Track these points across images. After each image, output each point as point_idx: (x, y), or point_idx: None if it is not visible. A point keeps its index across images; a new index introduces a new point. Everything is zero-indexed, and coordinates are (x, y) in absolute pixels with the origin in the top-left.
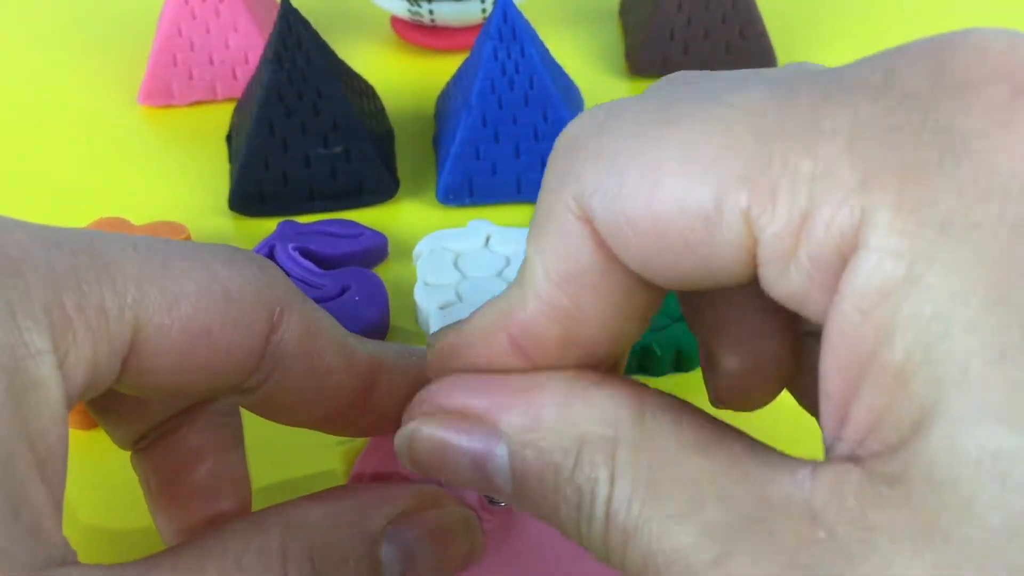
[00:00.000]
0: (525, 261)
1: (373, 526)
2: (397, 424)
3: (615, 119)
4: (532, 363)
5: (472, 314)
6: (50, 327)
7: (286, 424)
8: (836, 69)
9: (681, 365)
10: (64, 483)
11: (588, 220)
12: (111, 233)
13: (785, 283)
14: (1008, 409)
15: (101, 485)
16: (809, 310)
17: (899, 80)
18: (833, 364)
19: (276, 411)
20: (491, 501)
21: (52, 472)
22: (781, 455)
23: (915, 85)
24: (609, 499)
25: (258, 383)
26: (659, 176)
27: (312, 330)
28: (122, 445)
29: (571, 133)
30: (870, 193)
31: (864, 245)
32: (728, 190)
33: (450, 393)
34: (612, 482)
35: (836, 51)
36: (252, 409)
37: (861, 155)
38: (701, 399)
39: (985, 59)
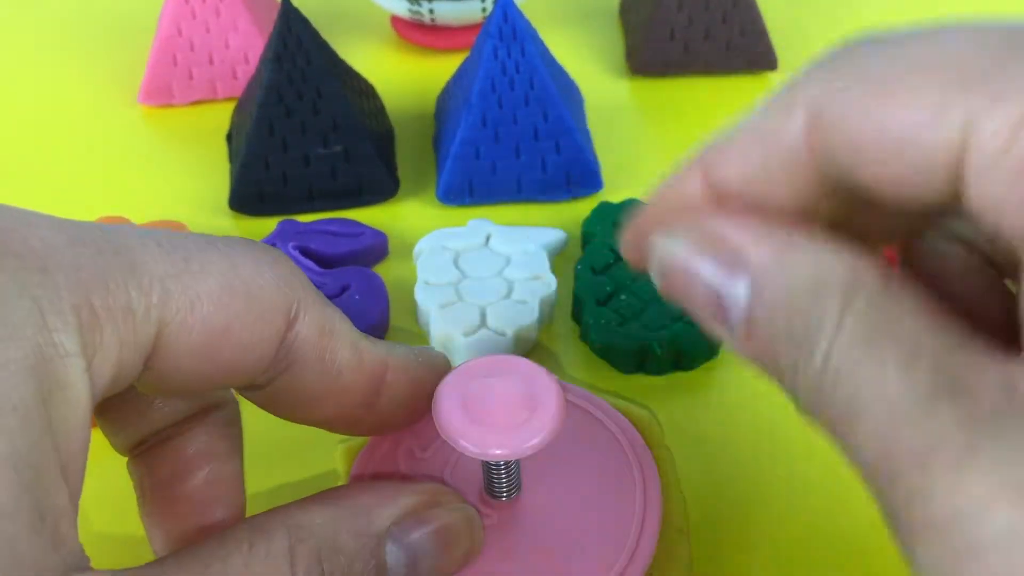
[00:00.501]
0: (739, 123)
1: (377, 527)
2: (401, 424)
3: (846, 51)
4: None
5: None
6: (79, 327)
7: (292, 421)
8: None
9: (681, 364)
10: (82, 485)
11: (814, 116)
12: (133, 228)
13: (989, 189)
14: None
15: (103, 487)
16: (1006, 225)
17: None
18: None
19: (284, 408)
20: (492, 495)
21: (73, 474)
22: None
23: None
24: (834, 338)
25: (269, 379)
26: (889, 82)
27: (326, 329)
28: (120, 450)
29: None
30: None
31: None
32: (951, 94)
33: (711, 220)
34: (840, 324)
35: None
36: (260, 404)
37: None
38: (701, 399)
39: None
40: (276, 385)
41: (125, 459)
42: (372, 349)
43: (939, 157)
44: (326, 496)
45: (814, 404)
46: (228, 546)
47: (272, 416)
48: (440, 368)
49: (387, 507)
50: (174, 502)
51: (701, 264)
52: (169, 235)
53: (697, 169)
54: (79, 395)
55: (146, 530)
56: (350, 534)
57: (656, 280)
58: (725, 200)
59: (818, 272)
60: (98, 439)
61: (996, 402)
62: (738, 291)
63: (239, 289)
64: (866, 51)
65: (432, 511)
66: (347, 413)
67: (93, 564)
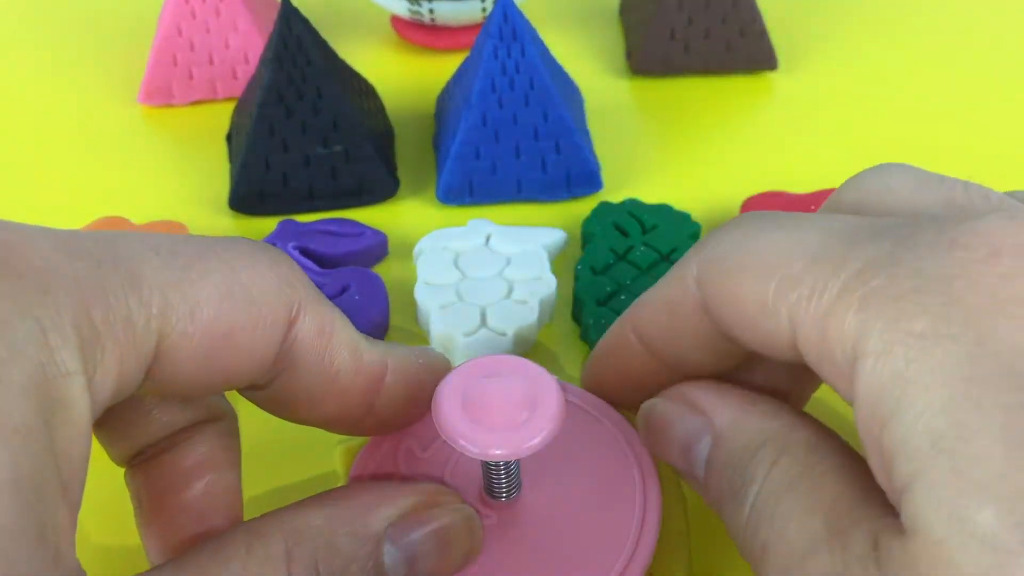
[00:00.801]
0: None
1: (375, 528)
2: (400, 425)
3: (731, 223)
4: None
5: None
6: (79, 344)
7: (291, 421)
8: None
9: None
10: (81, 499)
11: (698, 281)
12: (131, 235)
13: (818, 370)
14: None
15: (100, 498)
16: (843, 393)
17: (909, 240)
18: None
19: (283, 407)
20: (491, 495)
21: (73, 491)
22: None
23: (919, 241)
24: (759, 491)
25: (269, 380)
26: (744, 270)
27: (326, 330)
28: (117, 460)
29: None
30: (869, 311)
31: (864, 352)
32: (781, 292)
33: (687, 387)
34: (766, 478)
35: (835, 51)
36: (259, 404)
37: (867, 283)
38: None
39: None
40: (276, 385)
41: (122, 470)
42: (371, 350)
43: (779, 335)
44: (323, 498)
45: (742, 547)
46: (225, 551)
47: (272, 418)
48: (440, 369)
49: (385, 508)
50: (172, 513)
51: (675, 422)
52: (168, 241)
53: (628, 328)
54: (80, 412)
55: (143, 541)
56: (347, 535)
57: (640, 432)
58: (650, 346)
59: (761, 430)
60: (95, 450)
61: (862, 552)
62: (702, 448)
63: (239, 294)
64: (743, 226)
65: (431, 511)
66: (346, 413)
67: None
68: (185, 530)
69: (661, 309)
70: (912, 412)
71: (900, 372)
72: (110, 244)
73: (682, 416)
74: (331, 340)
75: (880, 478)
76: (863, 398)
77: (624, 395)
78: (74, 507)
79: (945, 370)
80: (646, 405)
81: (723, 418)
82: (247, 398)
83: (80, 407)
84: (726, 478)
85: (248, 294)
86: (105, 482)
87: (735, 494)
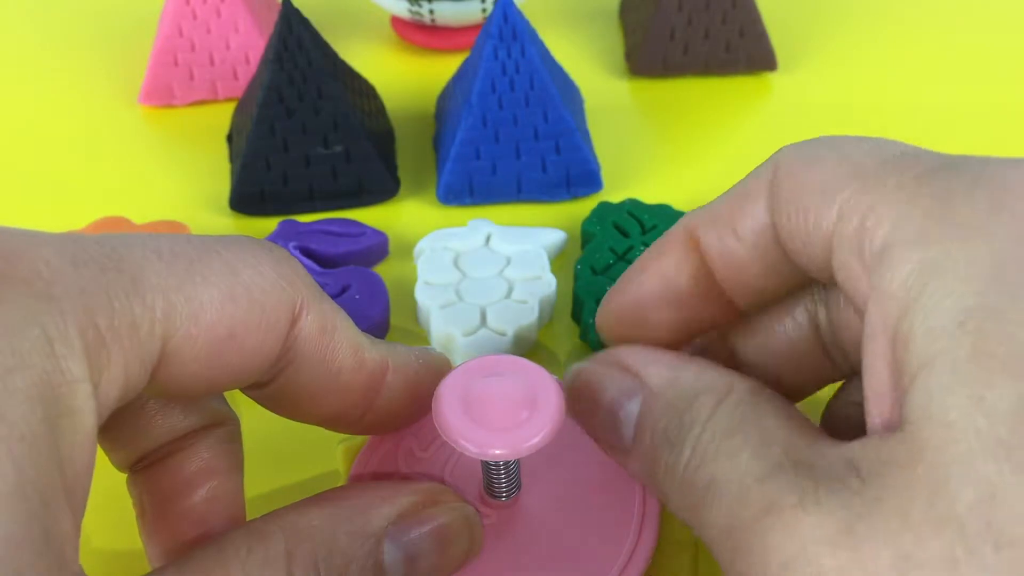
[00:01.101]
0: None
1: (375, 527)
2: (399, 425)
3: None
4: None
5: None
6: (85, 351)
7: (291, 419)
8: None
9: None
10: (85, 506)
11: (773, 182)
12: (134, 238)
13: (842, 265)
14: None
15: (102, 503)
16: (856, 299)
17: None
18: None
19: (284, 405)
20: (491, 495)
21: (77, 497)
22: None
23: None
24: (701, 432)
25: (271, 378)
26: (817, 167)
27: (328, 328)
28: (119, 466)
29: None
30: (914, 203)
31: (898, 239)
32: (842, 179)
33: (617, 351)
34: (708, 419)
35: (834, 52)
36: (260, 401)
37: (920, 184)
38: None
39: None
40: (277, 382)
41: (124, 475)
42: (373, 349)
43: (823, 230)
44: (323, 497)
45: (680, 496)
46: (226, 552)
47: (273, 418)
48: (440, 369)
49: (384, 507)
50: (174, 519)
51: (605, 383)
52: (170, 242)
53: (681, 232)
54: (85, 419)
55: (145, 547)
56: (347, 535)
57: (567, 400)
58: (700, 267)
59: (698, 382)
60: (97, 455)
61: (836, 474)
62: (631, 407)
63: (242, 295)
64: (828, 138)
65: (430, 510)
66: (346, 411)
67: None
68: (187, 536)
69: (720, 219)
70: (940, 293)
71: (932, 257)
72: (113, 248)
73: (611, 376)
74: (333, 338)
75: (877, 381)
76: (885, 285)
77: (641, 329)
78: (78, 513)
79: (980, 259)
80: (572, 368)
81: (656, 376)
82: (248, 395)
83: (85, 414)
84: (659, 432)
85: (251, 294)
86: (107, 487)
87: (671, 444)
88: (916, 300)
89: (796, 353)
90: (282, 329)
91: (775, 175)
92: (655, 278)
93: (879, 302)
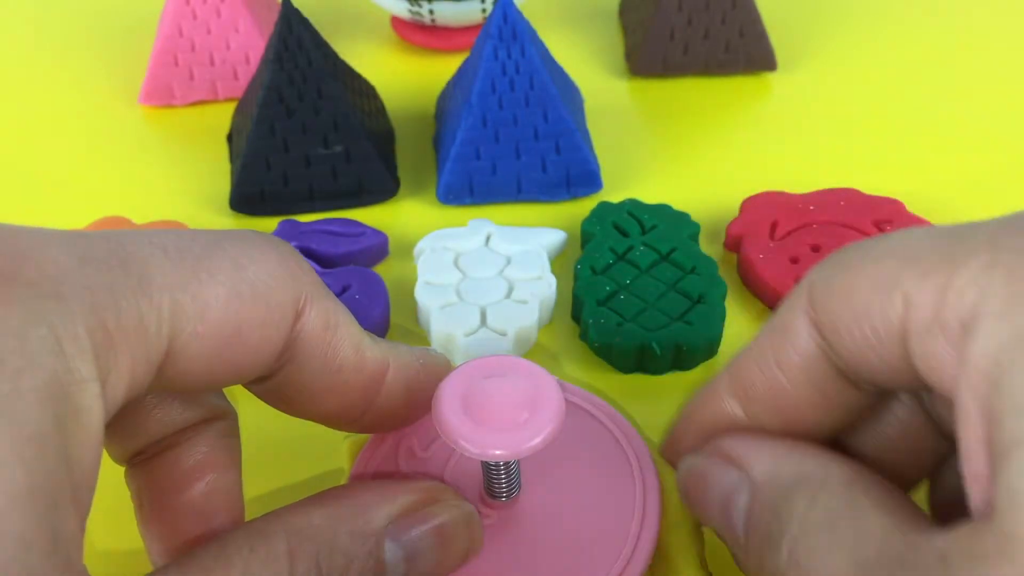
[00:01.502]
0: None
1: (375, 525)
2: (399, 424)
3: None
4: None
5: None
6: (93, 351)
7: (291, 415)
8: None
9: (680, 364)
10: (91, 505)
11: (817, 324)
12: (139, 235)
13: (925, 349)
14: None
15: (103, 501)
16: (945, 382)
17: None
18: (965, 431)
19: (285, 401)
20: (491, 495)
21: (84, 497)
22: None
23: None
24: (798, 531)
25: (273, 373)
26: (854, 267)
27: (331, 324)
28: (117, 459)
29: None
30: (992, 274)
31: (983, 313)
32: (897, 269)
33: (724, 439)
34: (804, 518)
35: (834, 52)
36: (261, 396)
37: (992, 252)
38: None
39: None
40: (279, 378)
41: (123, 470)
42: (374, 347)
43: (891, 325)
44: (324, 496)
45: None
46: (228, 551)
47: (276, 417)
48: (440, 371)
49: (385, 505)
50: (172, 513)
51: (714, 477)
52: (175, 239)
53: (722, 392)
54: (93, 419)
55: (144, 541)
56: (348, 534)
57: (680, 491)
58: (750, 408)
59: (796, 474)
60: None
61: (927, 570)
62: (741, 502)
63: (247, 292)
64: (852, 247)
65: (431, 509)
66: (346, 409)
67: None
68: (186, 530)
69: (764, 358)
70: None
71: (1021, 330)
72: (119, 246)
73: (719, 471)
74: (335, 335)
75: (972, 461)
76: (975, 360)
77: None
78: (84, 513)
79: None
80: (683, 464)
81: (759, 467)
82: (249, 390)
83: (94, 414)
84: (763, 527)
85: (256, 290)
86: (110, 486)
87: (772, 541)
88: (1007, 374)
89: (904, 433)
90: (286, 325)
91: (811, 297)
92: (705, 424)
93: (969, 377)
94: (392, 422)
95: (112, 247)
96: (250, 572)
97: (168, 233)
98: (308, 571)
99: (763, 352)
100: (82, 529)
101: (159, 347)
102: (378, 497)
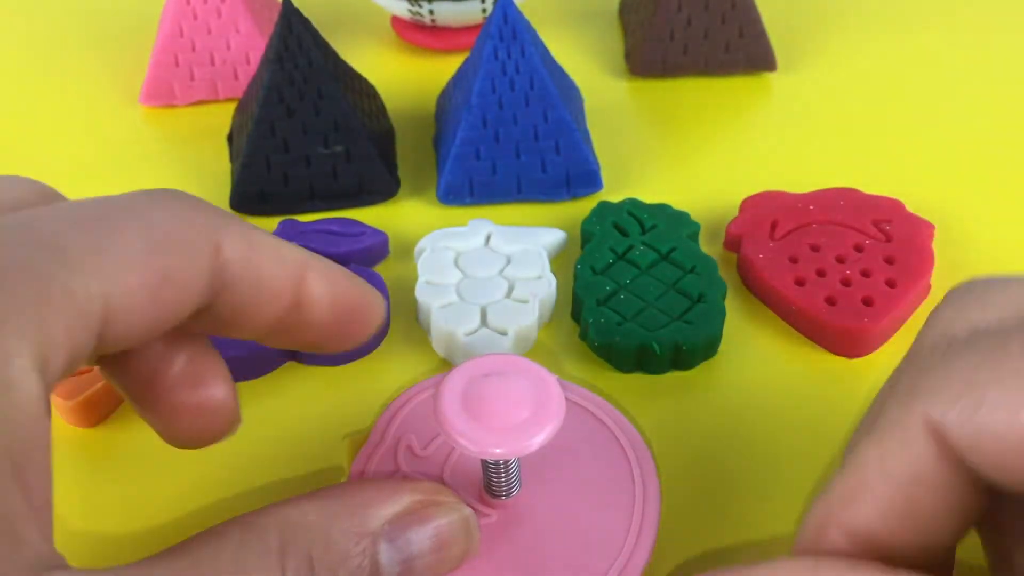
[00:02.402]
0: (856, 458)
1: (372, 526)
2: (336, 341)
3: (960, 343)
4: (864, 553)
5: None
6: (20, 326)
7: (234, 337)
8: None
9: (680, 364)
10: (50, 484)
11: (939, 434)
12: (49, 211)
13: None
14: None
15: (101, 483)
16: None
17: None
18: None
19: (225, 326)
20: (491, 494)
21: (33, 475)
22: None
23: None
24: None
25: (209, 303)
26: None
27: (249, 243)
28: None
29: (919, 347)
30: None
31: None
32: None
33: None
34: None
35: (834, 52)
36: (203, 329)
37: None
38: (700, 397)
39: None
40: (216, 307)
41: (117, 456)
42: (291, 251)
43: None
44: (321, 494)
45: None
46: (219, 541)
47: (276, 417)
48: (366, 286)
49: (383, 506)
50: (165, 390)
51: None
52: (86, 209)
53: (829, 522)
54: (27, 394)
55: (153, 427)
56: (343, 532)
57: None
58: (863, 543)
59: None
60: (88, 435)
61: None
62: None
63: (163, 241)
64: (960, 348)
65: (428, 511)
66: (284, 320)
67: (74, 563)
68: (186, 401)
69: (881, 490)
70: None
71: None
72: (33, 223)
73: None
74: (255, 251)
75: None
76: None
77: None
78: (37, 490)
79: None
80: None
81: None
82: (197, 330)
83: (27, 389)
84: None
85: (170, 241)
86: (87, 472)
87: None
88: None
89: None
90: (209, 259)
91: (943, 433)
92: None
93: None
94: (329, 338)
95: (27, 228)
96: (240, 564)
97: (77, 204)
98: (299, 567)
99: (879, 480)
100: (35, 508)
101: (92, 310)
102: (376, 497)
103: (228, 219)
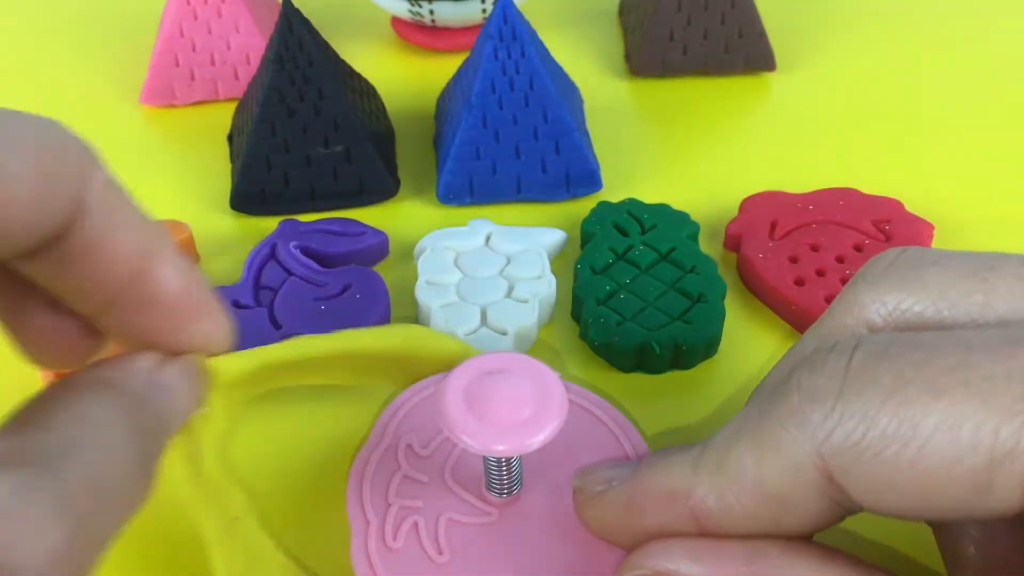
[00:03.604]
0: (729, 459)
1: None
2: (172, 328)
3: (858, 375)
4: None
5: (647, 467)
6: None
7: (75, 307)
8: None
9: (680, 363)
10: None
11: (828, 472)
12: None
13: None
14: None
15: None
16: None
17: None
18: None
19: (65, 277)
20: (493, 492)
21: None
22: None
23: None
24: None
25: (60, 236)
26: (924, 444)
27: (117, 193)
28: None
29: (814, 379)
30: None
31: None
32: (999, 460)
33: (669, 555)
34: None
35: (833, 52)
36: (43, 281)
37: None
38: (700, 397)
39: None
40: (62, 246)
41: None
42: (153, 224)
43: (1000, 497)
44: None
45: None
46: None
47: (276, 417)
48: (219, 302)
49: (139, 361)
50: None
51: None
52: None
53: (687, 509)
54: None
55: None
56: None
57: None
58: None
59: None
60: None
61: None
62: None
63: (49, 149)
64: (885, 390)
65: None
66: (123, 291)
67: None
68: (40, 325)
69: (758, 506)
70: None
71: None
72: None
73: None
74: (116, 200)
75: None
76: None
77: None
78: None
79: None
80: None
81: None
82: (39, 275)
83: None
84: None
85: (54, 149)
86: None
87: None
88: None
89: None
90: (77, 182)
91: (837, 471)
92: None
93: None
94: (170, 328)
95: None
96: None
97: None
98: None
99: (751, 493)
100: None
101: None
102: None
103: (101, 164)
